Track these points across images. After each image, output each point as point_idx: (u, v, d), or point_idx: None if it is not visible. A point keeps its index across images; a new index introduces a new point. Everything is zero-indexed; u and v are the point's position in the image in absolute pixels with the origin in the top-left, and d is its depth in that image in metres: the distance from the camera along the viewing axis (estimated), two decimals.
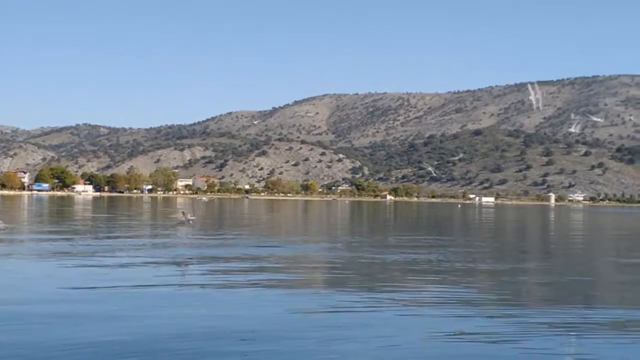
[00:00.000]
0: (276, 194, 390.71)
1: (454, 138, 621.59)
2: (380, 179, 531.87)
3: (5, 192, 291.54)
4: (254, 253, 38.03)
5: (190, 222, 64.29)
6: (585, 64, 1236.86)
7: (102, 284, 25.07)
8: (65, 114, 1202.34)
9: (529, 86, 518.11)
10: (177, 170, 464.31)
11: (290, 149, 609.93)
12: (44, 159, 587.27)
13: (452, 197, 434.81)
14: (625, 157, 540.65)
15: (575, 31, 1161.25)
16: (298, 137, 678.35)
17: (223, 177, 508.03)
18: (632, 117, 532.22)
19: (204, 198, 60.84)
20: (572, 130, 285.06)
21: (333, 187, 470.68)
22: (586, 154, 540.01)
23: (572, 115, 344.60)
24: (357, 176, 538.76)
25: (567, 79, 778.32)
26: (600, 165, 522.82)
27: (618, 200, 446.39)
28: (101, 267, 30.39)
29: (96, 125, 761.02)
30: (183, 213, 68.62)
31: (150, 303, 21.70)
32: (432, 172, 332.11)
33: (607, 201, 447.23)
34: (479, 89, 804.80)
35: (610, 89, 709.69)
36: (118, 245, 41.55)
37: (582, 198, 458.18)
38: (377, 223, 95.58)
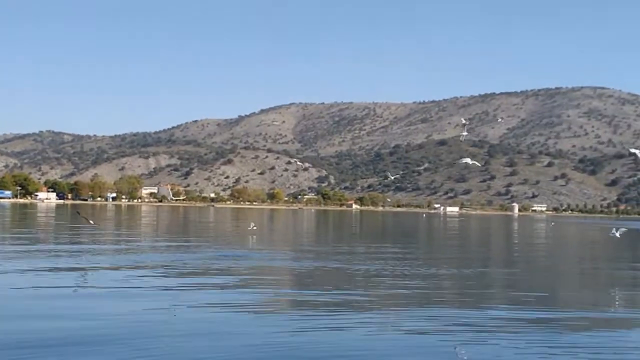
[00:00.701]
0: (242, 203, 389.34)
1: (420, 148, 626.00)
2: (346, 188, 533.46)
3: None
4: (214, 261, 37.46)
5: (254, 230, 64.56)
6: (549, 76, 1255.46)
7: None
8: (28, 120, 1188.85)
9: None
10: (145, 178, 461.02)
11: (257, 157, 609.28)
12: (6, 166, 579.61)
13: (417, 206, 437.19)
14: (588, 168, 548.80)
15: (539, 43, 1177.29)
16: (264, 146, 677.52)
17: (188, 185, 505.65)
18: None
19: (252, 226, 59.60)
20: (464, 133, 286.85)
21: (299, 196, 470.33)
22: (549, 164, 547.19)
23: (463, 120, 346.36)
24: (323, 185, 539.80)
25: (531, 90, 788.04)
26: (563, 176, 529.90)
27: (580, 211, 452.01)
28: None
29: (60, 132, 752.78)
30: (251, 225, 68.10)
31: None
32: (390, 177, 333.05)
33: (570, 211, 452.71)
34: (444, 99, 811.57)
35: (572, 101, 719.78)
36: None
37: (544, 208, 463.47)
38: (343, 232, 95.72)
